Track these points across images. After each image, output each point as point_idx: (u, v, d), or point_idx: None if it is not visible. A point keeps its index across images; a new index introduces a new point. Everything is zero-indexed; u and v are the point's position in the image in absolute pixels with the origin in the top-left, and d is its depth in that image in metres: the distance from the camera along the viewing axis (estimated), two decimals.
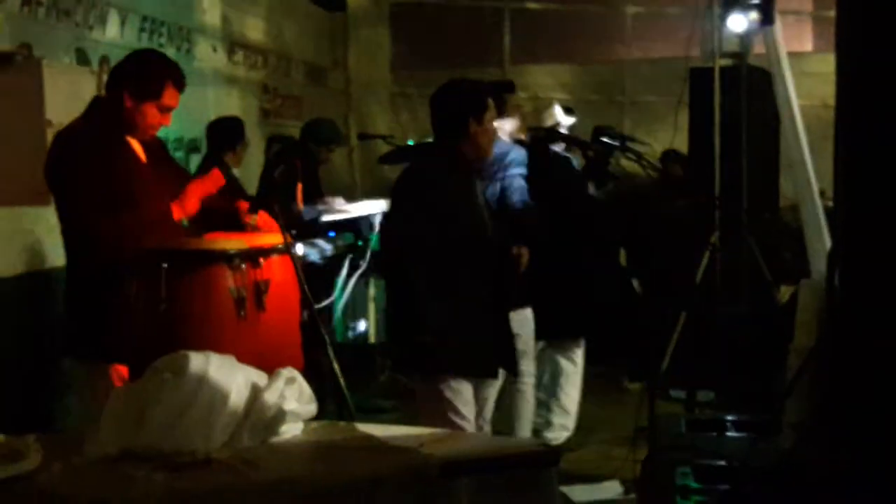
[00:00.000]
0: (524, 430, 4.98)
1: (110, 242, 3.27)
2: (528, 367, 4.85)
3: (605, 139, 5.44)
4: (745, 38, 6.08)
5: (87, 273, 3.37)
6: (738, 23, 5.78)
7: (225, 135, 6.44)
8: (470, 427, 3.70)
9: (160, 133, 3.68)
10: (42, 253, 4.88)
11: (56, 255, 4.80)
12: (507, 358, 3.95)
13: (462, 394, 3.72)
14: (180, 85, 3.49)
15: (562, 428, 5.43)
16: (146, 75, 3.44)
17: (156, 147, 3.64)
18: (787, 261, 6.39)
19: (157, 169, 3.56)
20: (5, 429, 2.41)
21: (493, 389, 4.01)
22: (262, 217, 3.45)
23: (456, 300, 3.66)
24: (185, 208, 3.41)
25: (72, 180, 3.34)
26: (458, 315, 3.66)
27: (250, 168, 6.87)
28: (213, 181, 3.51)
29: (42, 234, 4.83)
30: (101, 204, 3.31)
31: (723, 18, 5.86)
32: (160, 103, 3.45)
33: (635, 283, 7.04)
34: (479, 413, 3.88)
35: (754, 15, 5.63)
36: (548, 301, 5.06)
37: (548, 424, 5.42)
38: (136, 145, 3.52)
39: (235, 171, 6.39)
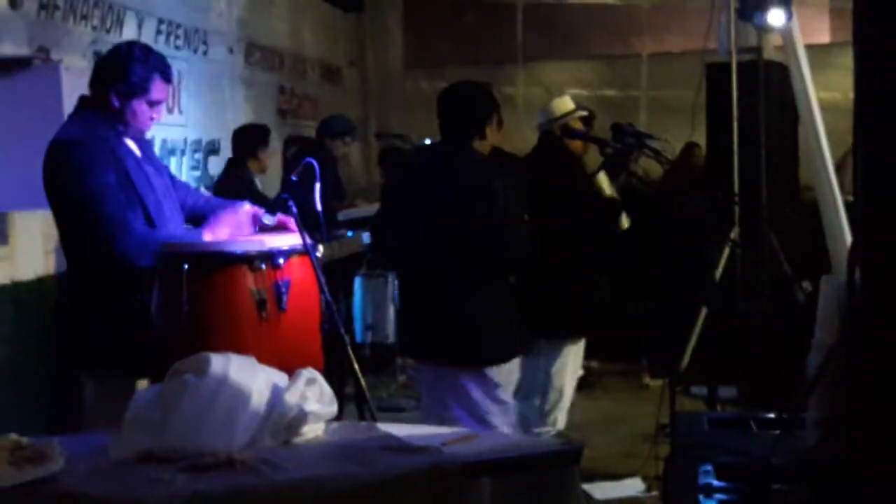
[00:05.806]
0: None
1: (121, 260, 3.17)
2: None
3: (623, 137, 5.41)
4: (761, 33, 6.04)
5: (92, 287, 3.27)
6: (777, 17, 5.66)
7: (246, 141, 6.50)
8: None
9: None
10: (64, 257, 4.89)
11: None
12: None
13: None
14: (168, 77, 3.35)
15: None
16: (132, 71, 3.27)
17: (145, 146, 3.48)
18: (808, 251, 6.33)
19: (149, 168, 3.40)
20: (29, 433, 2.42)
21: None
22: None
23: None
24: (215, 235, 3.26)
25: (75, 192, 3.20)
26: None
27: (268, 169, 6.89)
28: (246, 214, 3.33)
29: None
30: (106, 215, 3.17)
31: (741, 13, 5.82)
32: (149, 98, 3.30)
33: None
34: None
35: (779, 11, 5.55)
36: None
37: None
38: (132, 145, 3.37)
39: (259, 178, 6.46)
